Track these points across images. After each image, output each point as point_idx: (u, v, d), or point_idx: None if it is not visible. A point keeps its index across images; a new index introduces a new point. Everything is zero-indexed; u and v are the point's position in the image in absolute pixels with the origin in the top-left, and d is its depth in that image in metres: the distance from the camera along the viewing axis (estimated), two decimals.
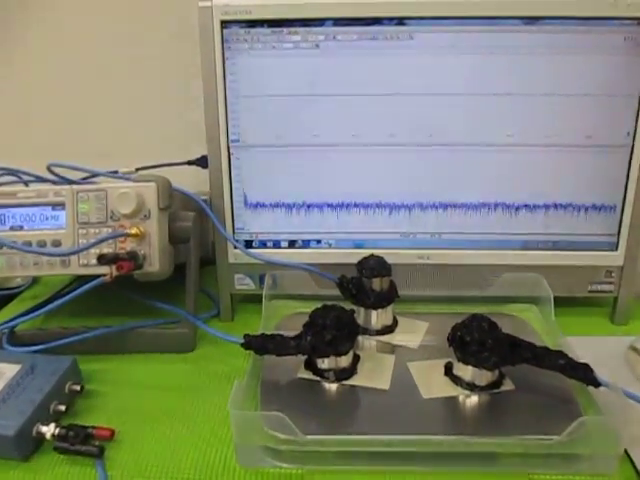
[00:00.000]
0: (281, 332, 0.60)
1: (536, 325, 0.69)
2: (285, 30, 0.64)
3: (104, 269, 0.58)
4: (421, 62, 0.64)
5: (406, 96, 0.66)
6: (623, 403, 0.51)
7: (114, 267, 0.56)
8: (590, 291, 0.70)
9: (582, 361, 0.55)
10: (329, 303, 0.60)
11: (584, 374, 0.54)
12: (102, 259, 0.56)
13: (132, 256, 0.58)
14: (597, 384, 0.53)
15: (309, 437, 0.48)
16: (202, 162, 0.69)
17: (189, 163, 0.72)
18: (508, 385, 0.57)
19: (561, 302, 0.68)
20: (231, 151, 0.68)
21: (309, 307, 0.72)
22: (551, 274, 0.69)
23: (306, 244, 0.71)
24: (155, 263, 0.61)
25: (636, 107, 0.64)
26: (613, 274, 0.69)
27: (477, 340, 0.55)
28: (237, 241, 0.71)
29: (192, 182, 0.73)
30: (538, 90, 0.65)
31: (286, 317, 0.71)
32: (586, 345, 0.65)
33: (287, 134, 0.68)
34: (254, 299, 0.71)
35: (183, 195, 0.69)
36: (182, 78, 0.82)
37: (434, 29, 0.63)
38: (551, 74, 0.64)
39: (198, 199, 0.68)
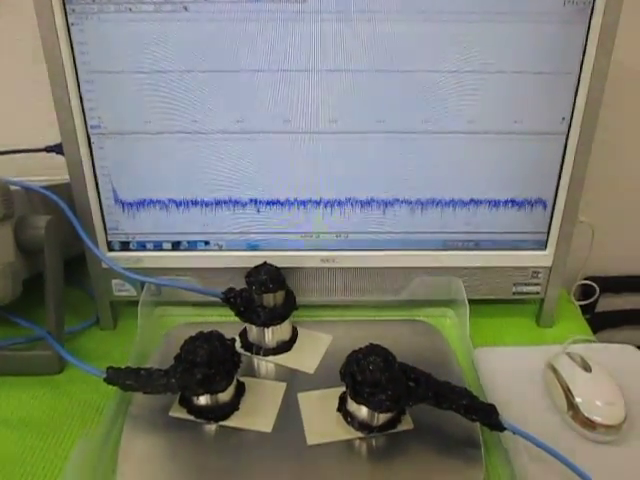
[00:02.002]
0: (158, 356, 0.54)
1: (450, 333, 0.62)
2: None
3: None
4: (314, 31, 0.52)
5: (298, 73, 0.53)
6: (527, 451, 0.46)
7: None
8: (515, 293, 0.63)
9: (488, 402, 0.48)
10: (206, 330, 0.51)
11: (488, 418, 0.47)
12: None
13: None
14: (501, 428, 0.47)
15: None
16: (61, 149, 0.57)
17: (47, 150, 0.60)
18: (407, 424, 0.50)
19: (484, 300, 0.62)
20: (92, 139, 0.56)
21: (201, 316, 0.65)
22: (473, 276, 0.62)
23: (192, 246, 0.61)
24: None
25: (574, 87, 0.54)
26: (540, 275, 0.62)
27: (370, 380, 0.47)
28: (110, 243, 0.61)
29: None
30: (456, 66, 0.53)
31: (175, 328, 0.62)
32: (502, 358, 0.59)
33: (158, 119, 0.55)
34: None
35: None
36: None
37: None
38: (472, 46, 0.52)
39: (55, 198, 0.56)
